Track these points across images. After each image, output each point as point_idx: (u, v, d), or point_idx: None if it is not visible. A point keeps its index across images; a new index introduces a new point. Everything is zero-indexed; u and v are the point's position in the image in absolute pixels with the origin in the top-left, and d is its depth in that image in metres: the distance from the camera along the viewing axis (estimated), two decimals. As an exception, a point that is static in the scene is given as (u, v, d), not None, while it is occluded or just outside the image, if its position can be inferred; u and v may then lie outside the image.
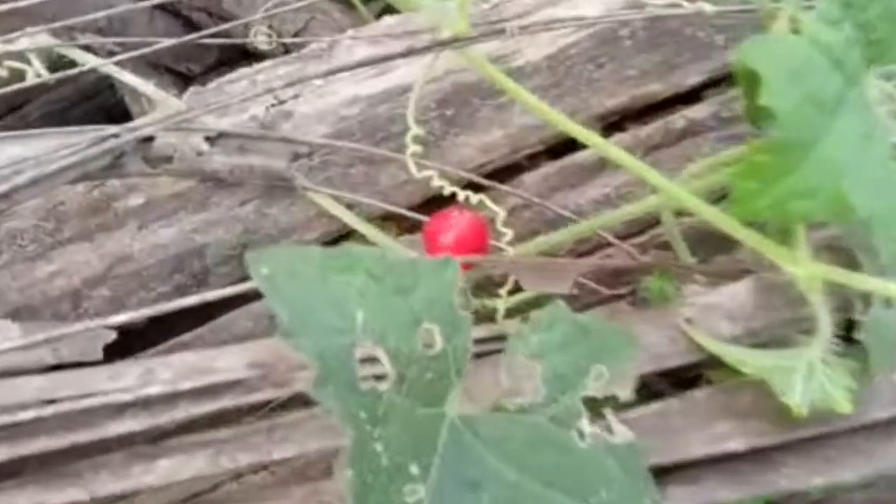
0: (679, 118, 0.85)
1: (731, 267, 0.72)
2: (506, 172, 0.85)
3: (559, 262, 0.68)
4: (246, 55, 1.22)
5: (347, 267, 0.49)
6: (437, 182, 0.75)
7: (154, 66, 1.48)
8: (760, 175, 0.58)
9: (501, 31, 0.75)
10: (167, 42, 0.87)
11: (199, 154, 0.74)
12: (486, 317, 0.82)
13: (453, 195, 0.76)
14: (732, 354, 0.65)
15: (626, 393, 0.58)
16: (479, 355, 0.61)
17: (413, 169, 0.76)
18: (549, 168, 0.85)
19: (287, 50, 1.31)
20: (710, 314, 0.69)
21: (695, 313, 0.69)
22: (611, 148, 0.71)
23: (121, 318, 0.62)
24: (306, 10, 1.36)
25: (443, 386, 0.52)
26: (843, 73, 0.58)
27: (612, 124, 0.86)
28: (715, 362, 0.67)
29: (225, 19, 1.33)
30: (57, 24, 0.86)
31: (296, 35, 1.32)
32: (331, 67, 0.74)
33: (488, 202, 0.73)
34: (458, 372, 0.52)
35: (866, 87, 0.60)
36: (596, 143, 0.71)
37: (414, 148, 0.76)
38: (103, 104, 1.36)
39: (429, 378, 0.51)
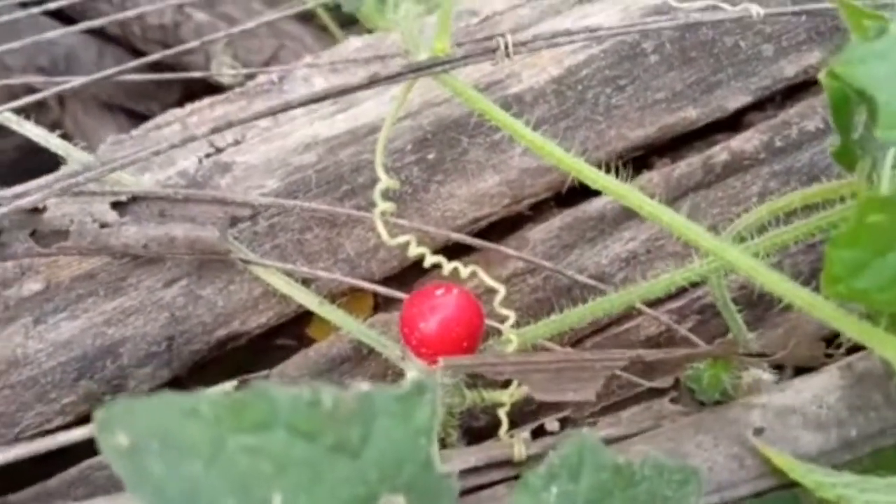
0: (721, 151, 0.67)
1: (812, 354, 0.53)
2: (503, 228, 0.67)
3: (582, 358, 0.50)
4: (212, 89, 1.07)
5: (259, 423, 0.32)
6: (415, 250, 0.57)
7: (107, 107, 1.33)
8: (869, 242, 0.40)
9: (492, 50, 0.58)
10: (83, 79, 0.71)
11: (104, 226, 0.57)
12: (486, 412, 0.64)
13: (437, 265, 0.58)
14: (830, 485, 0.47)
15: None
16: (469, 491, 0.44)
17: (384, 233, 0.58)
18: (559, 220, 0.67)
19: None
20: (786, 420, 0.51)
21: (766, 419, 0.51)
22: (638, 197, 0.53)
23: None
24: (273, 36, 1.22)
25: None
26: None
27: (636, 160, 0.68)
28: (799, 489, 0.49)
29: (184, 52, 1.19)
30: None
31: (266, 65, 1.18)
32: (273, 105, 0.57)
33: (484, 276, 0.55)
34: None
35: None
36: (618, 192, 0.54)
37: (384, 206, 0.58)
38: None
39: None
